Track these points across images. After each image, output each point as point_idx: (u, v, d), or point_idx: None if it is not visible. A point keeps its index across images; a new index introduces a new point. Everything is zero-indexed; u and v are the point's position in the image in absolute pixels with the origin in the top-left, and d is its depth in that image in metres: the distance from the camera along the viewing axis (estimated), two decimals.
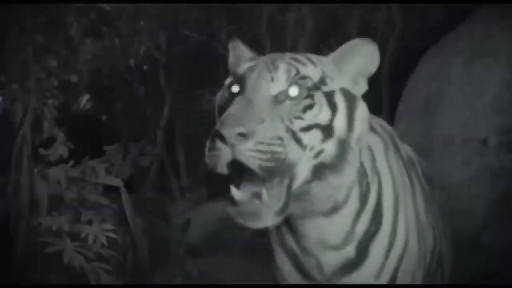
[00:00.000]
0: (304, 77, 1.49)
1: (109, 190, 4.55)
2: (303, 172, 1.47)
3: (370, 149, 1.67)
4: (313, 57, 1.58)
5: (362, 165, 1.60)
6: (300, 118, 1.45)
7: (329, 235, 1.63)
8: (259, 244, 2.33)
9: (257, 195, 1.43)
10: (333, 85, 1.52)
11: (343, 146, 1.49)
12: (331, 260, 1.66)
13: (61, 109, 4.36)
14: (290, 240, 1.72)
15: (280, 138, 1.39)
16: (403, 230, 1.71)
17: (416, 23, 6.04)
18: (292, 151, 1.42)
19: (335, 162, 1.49)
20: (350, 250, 1.65)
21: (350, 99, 1.52)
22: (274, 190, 1.43)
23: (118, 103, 8.10)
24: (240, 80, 1.52)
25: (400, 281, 1.71)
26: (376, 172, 1.68)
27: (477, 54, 4.68)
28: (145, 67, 7.75)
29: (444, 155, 4.41)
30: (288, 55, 1.56)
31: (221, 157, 1.37)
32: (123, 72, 7.57)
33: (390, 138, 1.85)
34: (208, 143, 1.39)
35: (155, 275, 4.59)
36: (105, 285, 3.78)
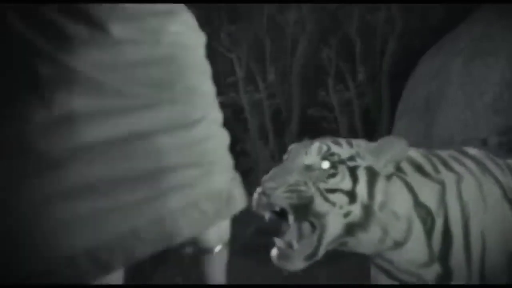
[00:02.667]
0: (333, 154, 1.82)
1: None
2: (333, 225, 1.77)
3: (443, 184, 1.89)
4: (355, 141, 1.91)
5: (423, 206, 1.84)
6: (324, 182, 1.78)
7: (414, 257, 1.85)
8: (259, 244, 2.33)
9: (290, 245, 1.77)
10: (361, 162, 1.83)
11: (367, 210, 1.79)
12: (429, 276, 1.87)
13: None
14: (379, 261, 1.94)
15: (305, 183, 1.75)
16: (477, 239, 1.84)
17: (416, 23, 6.04)
18: (320, 203, 1.75)
19: (363, 221, 1.78)
20: (437, 267, 1.85)
21: (372, 174, 1.82)
22: (305, 240, 1.76)
23: None
24: (287, 153, 1.91)
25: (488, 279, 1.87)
26: (444, 205, 1.87)
27: (477, 54, 4.68)
28: None
29: None
30: (330, 139, 1.89)
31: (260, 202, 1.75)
32: None
33: (467, 168, 1.94)
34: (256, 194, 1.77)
35: (155, 275, 4.59)
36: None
